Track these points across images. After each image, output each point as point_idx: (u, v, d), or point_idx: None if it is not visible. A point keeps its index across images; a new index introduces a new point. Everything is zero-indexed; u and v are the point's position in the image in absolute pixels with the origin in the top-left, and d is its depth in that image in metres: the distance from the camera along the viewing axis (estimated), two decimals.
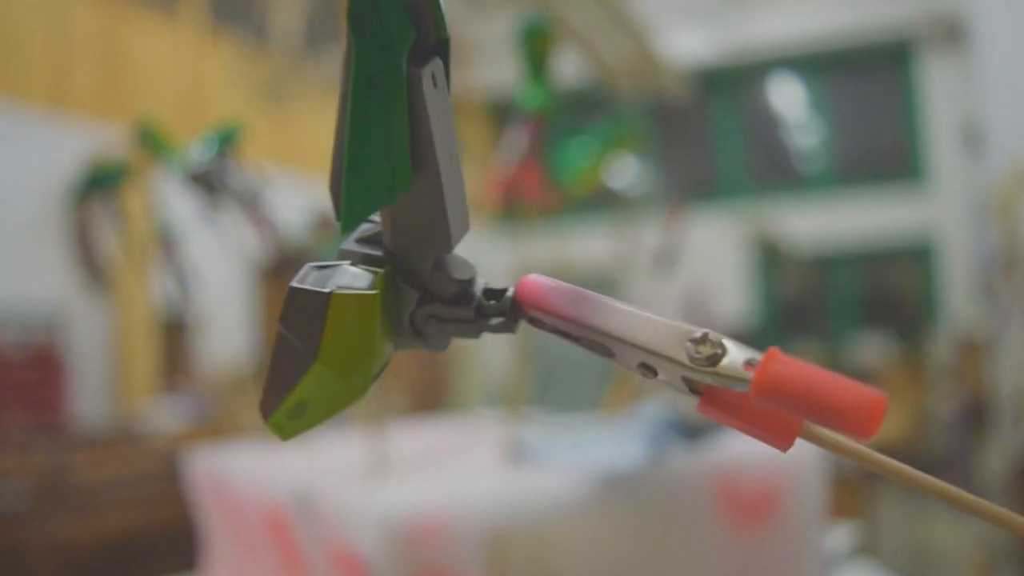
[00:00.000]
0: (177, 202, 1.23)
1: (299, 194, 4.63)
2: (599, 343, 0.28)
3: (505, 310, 0.29)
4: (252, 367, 3.90)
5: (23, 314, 3.38)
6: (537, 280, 0.29)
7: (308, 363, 0.27)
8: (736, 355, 0.26)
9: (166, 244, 1.12)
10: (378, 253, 0.29)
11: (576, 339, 0.28)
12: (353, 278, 0.28)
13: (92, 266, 3.65)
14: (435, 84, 0.26)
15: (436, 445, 0.95)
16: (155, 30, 4.16)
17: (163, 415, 3.36)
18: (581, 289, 0.28)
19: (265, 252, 1.08)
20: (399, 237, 0.28)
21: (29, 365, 3.36)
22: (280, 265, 1.13)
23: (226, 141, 0.95)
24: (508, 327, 0.29)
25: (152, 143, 1.03)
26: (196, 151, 0.96)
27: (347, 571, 0.66)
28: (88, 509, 2.29)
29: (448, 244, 0.28)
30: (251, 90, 4.47)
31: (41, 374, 3.40)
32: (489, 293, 0.29)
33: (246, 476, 0.87)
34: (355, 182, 0.27)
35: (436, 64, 0.26)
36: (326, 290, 0.27)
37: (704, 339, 0.26)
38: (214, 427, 3.13)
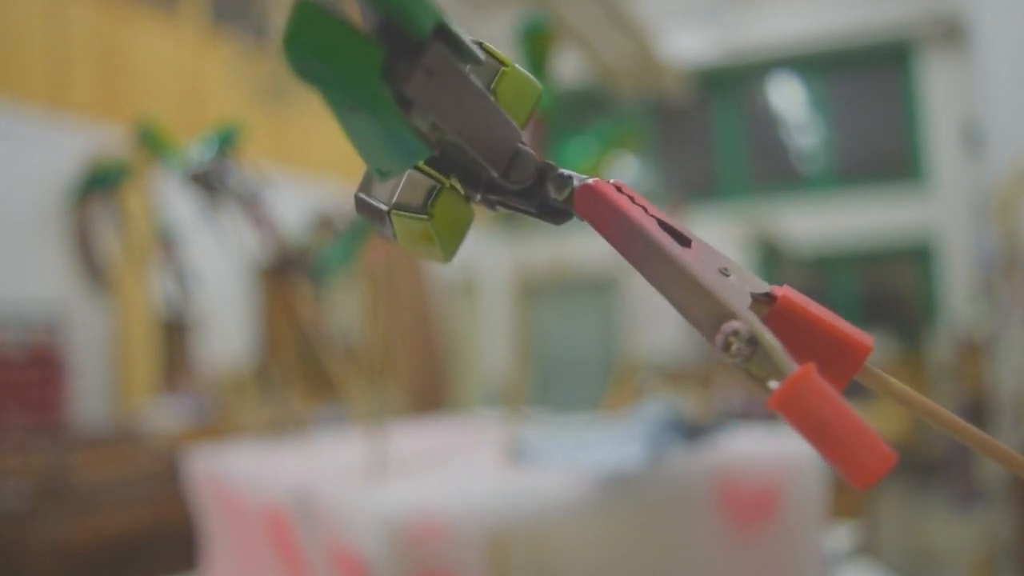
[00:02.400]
0: (177, 202, 1.23)
1: (299, 194, 4.63)
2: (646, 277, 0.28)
3: (567, 209, 0.29)
4: (252, 367, 3.91)
5: (23, 314, 3.38)
6: (599, 194, 0.28)
7: (394, 238, 0.29)
8: (764, 360, 0.25)
9: (166, 244, 1.12)
10: (436, 153, 0.28)
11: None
12: (411, 190, 0.28)
13: (92, 266, 3.65)
14: (431, 74, 0.25)
15: (436, 445, 0.95)
16: (155, 30, 4.16)
17: (163, 415, 3.36)
18: (640, 224, 0.27)
19: (265, 252, 1.08)
20: (450, 152, 0.28)
21: (29, 365, 3.36)
22: (280, 265, 1.13)
23: (226, 141, 0.95)
24: (567, 218, 0.30)
25: (152, 143, 1.03)
26: (196, 151, 0.96)
27: (347, 571, 0.66)
28: (88, 509, 2.29)
29: (493, 167, 0.28)
30: (251, 90, 4.47)
31: (41, 374, 3.40)
32: (556, 180, 0.29)
33: (246, 476, 0.87)
34: (373, 164, 0.27)
35: (429, 56, 0.24)
36: (384, 208, 0.28)
37: (737, 334, 0.25)
38: (214, 427, 3.13)
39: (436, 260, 0.29)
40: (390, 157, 0.26)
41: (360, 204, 0.29)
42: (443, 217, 0.28)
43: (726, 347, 0.25)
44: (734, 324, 0.25)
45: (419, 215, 0.28)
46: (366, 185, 0.29)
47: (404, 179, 0.28)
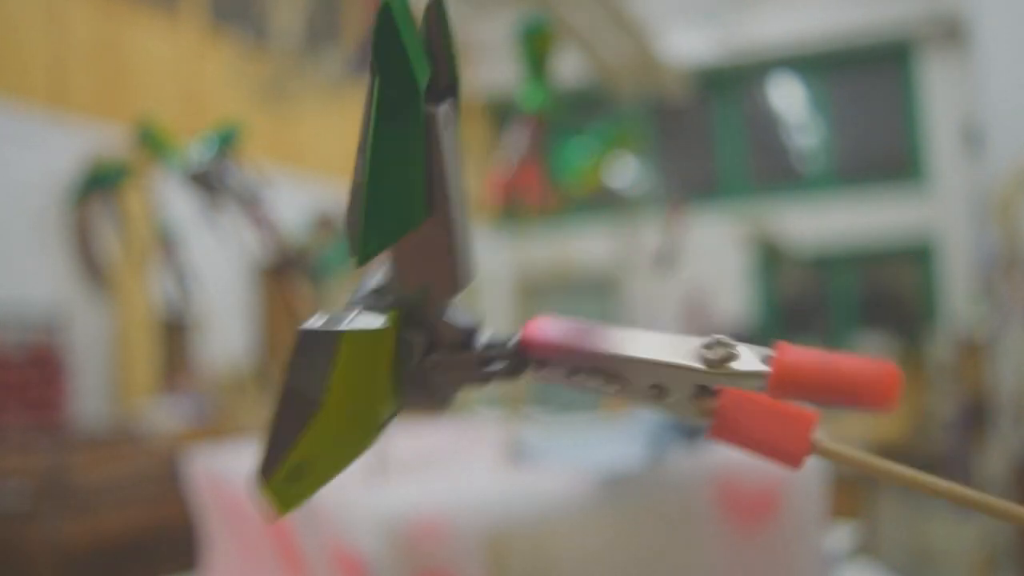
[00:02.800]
0: (177, 202, 1.23)
1: (299, 194, 4.63)
2: (609, 373, 0.27)
3: (511, 355, 0.29)
4: (252, 367, 3.91)
5: (23, 314, 3.38)
6: (544, 321, 0.29)
7: (313, 411, 0.26)
8: (749, 354, 0.26)
9: (166, 244, 1.12)
10: (387, 303, 0.28)
11: (584, 377, 0.28)
12: (365, 321, 0.28)
13: (92, 266, 3.64)
14: (446, 126, 0.26)
15: (436, 445, 0.95)
16: (155, 30, 4.16)
17: (163, 415, 3.36)
18: (588, 324, 0.28)
19: (265, 252, 1.08)
20: (406, 283, 0.28)
21: (29, 365, 3.36)
22: (280, 265, 1.13)
23: (226, 141, 0.95)
24: (513, 373, 0.29)
25: (152, 143, 1.03)
26: (196, 151, 0.96)
27: (347, 571, 0.66)
28: (88, 509, 2.29)
29: (454, 288, 0.28)
30: (251, 90, 4.47)
31: (41, 374, 3.40)
32: (494, 342, 0.29)
33: (246, 476, 0.87)
34: (374, 214, 0.26)
35: (450, 105, 0.26)
36: (338, 328, 0.27)
37: (715, 344, 0.26)
38: (214, 427, 3.14)
39: (367, 420, 0.27)
40: (397, 194, 0.26)
41: (304, 339, 0.27)
42: (394, 344, 0.27)
43: (710, 359, 0.26)
44: (706, 340, 0.27)
45: (377, 328, 0.27)
46: (313, 322, 0.28)
47: (357, 313, 0.28)
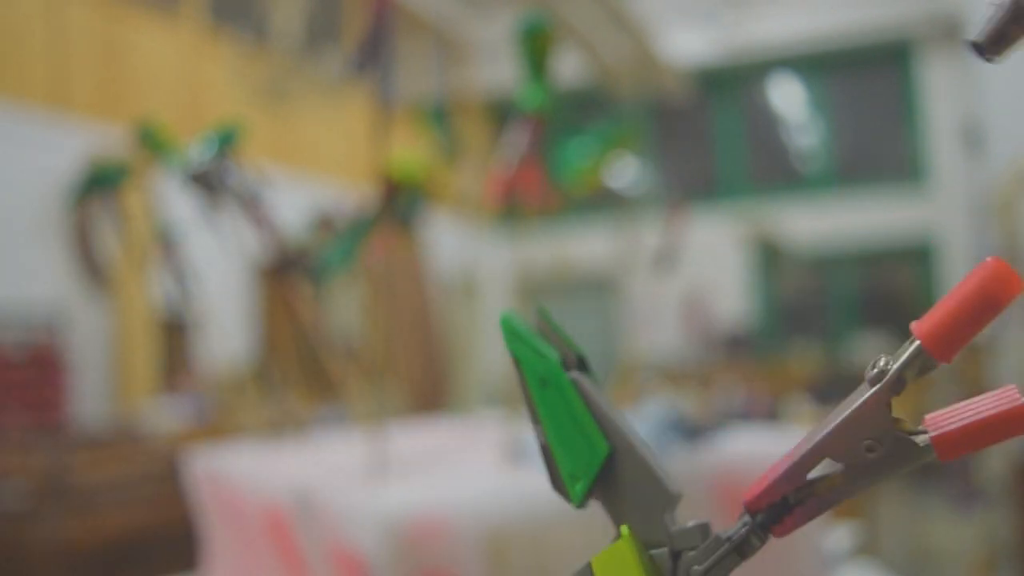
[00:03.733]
0: (177, 202, 1.23)
1: (299, 194, 4.63)
2: (819, 462, 0.30)
3: (747, 523, 0.31)
4: (252, 367, 3.91)
5: (23, 314, 3.38)
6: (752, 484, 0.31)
7: None
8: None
9: (166, 244, 1.12)
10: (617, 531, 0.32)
11: (810, 487, 0.30)
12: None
13: (92, 266, 3.65)
14: (589, 385, 0.32)
15: (436, 445, 0.95)
16: (155, 30, 4.16)
17: (163, 415, 3.36)
18: (779, 458, 0.30)
19: (265, 252, 1.08)
20: (622, 514, 0.32)
21: (29, 365, 3.36)
22: (280, 265, 1.13)
23: (226, 141, 0.95)
24: (762, 537, 0.31)
25: (152, 143, 1.03)
26: (196, 151, 0.96)
27: (347, 571, 0.66)
28: (88, 509, 2.29)
29: (669, 501, 0.31)
30: (251, 90, 4.47)
31: (41, 374, 3.40)
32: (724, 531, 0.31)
33: (246, 476, 0.87)
34: (567, 462, 0.33)
35: (581, 372, 0.33)
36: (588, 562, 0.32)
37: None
38: (214, 427, 3.13)
39: None
40: (574, 436, 0.32)
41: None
42: (637, 554, 0.31)
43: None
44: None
45: (614, 544, 0.32)
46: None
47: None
